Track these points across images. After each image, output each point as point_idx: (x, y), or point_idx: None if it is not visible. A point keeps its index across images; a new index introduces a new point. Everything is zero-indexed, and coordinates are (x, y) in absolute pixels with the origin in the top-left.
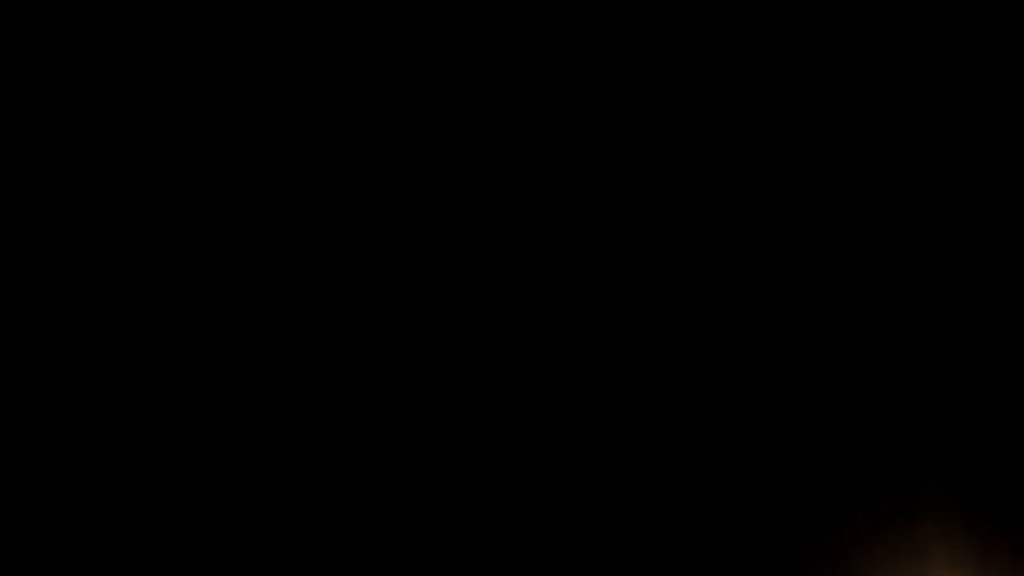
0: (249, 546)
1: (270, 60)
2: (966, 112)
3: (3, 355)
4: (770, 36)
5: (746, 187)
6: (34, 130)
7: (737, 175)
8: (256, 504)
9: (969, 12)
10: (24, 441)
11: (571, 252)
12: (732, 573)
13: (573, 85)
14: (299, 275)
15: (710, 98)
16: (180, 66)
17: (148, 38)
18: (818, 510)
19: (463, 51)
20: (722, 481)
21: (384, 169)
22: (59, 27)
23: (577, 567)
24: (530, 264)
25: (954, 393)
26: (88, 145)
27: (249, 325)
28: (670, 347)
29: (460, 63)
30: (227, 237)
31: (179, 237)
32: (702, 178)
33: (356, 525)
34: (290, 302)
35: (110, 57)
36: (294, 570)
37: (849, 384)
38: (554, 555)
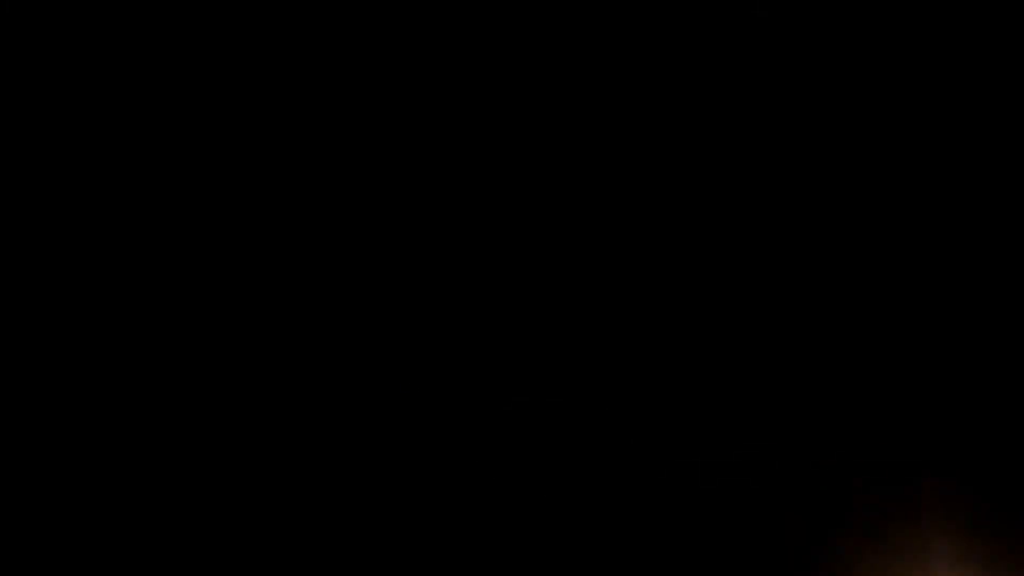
0: (249, 546)
1: (270, 60)
2: (966, 112)
3: (3, 355)
4: (771, 37)
5: (746, 188)
6: (34, 130)
7: (737, 176)
8: (256, 504)
9: (969, 12)
10: (24, 441)
11: (571, 252)
12: (733, 574)
13: (573, 85)
14: (298, 275)
15: (710, 98)
16: (180, 66)
17: (148, 38)
18: (819, 511)
19: (463, 51)
20: (722, 482)
21: (384, 170)
22: (58, 27)
23: (577, 567)
24: (529, 265)
25: (956, 391)
26: (88, 145)
27: (249, 326)
28: (669, 346)
29: (460, 63)
30: (227, 237)
31: (179, 237)
32: (702, 178)
33: (356, 525)
34: (289, 303)
35: (110, 57)
36: (294, 570)
37: (849, 382)
38: (553, 555)
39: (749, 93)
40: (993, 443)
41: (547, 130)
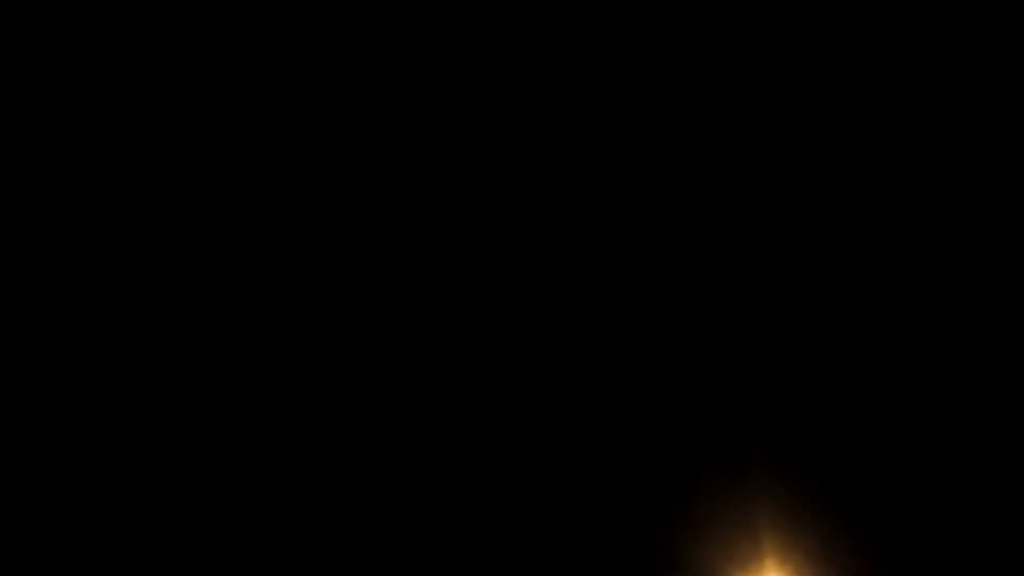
0: (249, 546)
1: (270, 60)
2: (966, 113)
3: (3, 355)
4: (771, 37)
5: (748, 188)
6: (34, 130)
7: (738, 176)
8: (256, 504)
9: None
10: (24, 441)
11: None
12: None
13: (574, 86)
14: (299, 275)
15: (712, 98)
16: (180, 66)
17: (148, 38)
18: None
19: (463, 51)
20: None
21: (385, 169)
22: (58, 27)
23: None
24: (530, 265)
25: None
26: (88, 145)
27: (249, 325)
28: (667, 346)
29: (460, 63)
30: (227, 237)
31: (179, 237)
32: (703, 179)
33: (356, 525)
34: (290, 303)
35: (110, 57)
36: (294, 570)
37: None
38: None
39: (751, 93)
40: (818, 440)
41: (544, 132)
